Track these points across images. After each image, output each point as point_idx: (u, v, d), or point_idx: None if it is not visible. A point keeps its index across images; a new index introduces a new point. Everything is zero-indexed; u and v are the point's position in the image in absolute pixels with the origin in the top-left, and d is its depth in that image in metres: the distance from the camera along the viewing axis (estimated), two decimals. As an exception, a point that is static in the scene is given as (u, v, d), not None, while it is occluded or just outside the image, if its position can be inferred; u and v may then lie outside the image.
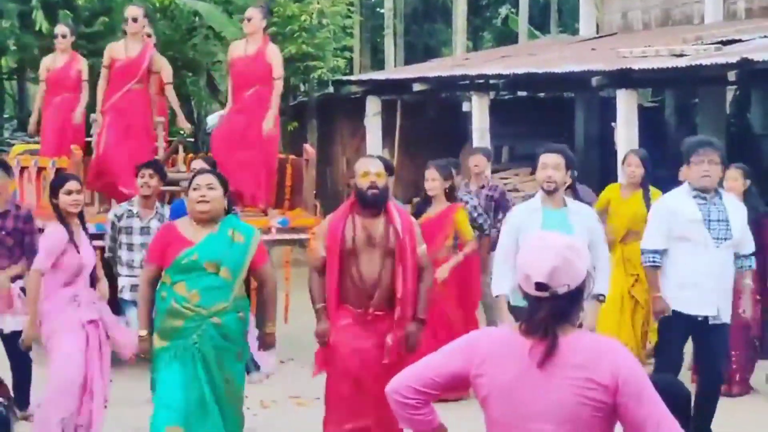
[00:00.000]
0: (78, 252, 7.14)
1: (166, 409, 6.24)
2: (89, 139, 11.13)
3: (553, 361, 3.47)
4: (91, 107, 11.29)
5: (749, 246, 7.39)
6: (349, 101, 19.38)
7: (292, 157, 11.63)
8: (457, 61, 19.22)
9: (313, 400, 8.51)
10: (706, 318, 7.20)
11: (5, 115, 22.98)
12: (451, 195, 9.19)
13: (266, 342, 6.69)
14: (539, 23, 28.57)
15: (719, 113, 17.67)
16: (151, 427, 6.32)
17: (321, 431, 6.77)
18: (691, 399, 6.99)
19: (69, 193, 7.18)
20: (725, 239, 7.18)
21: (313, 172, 11.07)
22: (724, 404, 8.43)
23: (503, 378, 3.53)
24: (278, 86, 10.77)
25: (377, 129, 17.56)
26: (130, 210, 9.43)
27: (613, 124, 14.37)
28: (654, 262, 7.33)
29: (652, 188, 9.55)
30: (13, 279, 8.14)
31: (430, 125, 19.30)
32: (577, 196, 8.63)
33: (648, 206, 8.87)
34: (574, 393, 3.45)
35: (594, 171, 17.95)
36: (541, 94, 20.08)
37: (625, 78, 13.21)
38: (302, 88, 21.71)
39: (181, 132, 14.94)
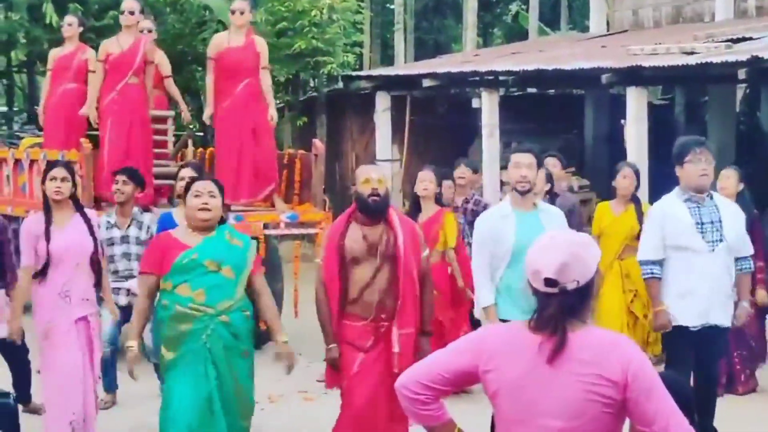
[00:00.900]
0: (47, 240, 7.03)
1: (173, 424, 6.16)
2: (92, 132, 11.08)
3: (562, 357, 3.47)
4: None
5: (747, 249, 7.25)
6: (359, 97, 19.37)
7: (301, 152, 11.63)
8: (467, 57, 19.20)
9: (320, 395, 8.52)
10: (707, 325, 7.07)
11: (15, 108, 23.03)
12: (438, 200, 9.22)
13: (282, 354, 6.40)
14: (549, 20, 28.54)
15: (729, 111, 17.65)
16: None
17: (328, 426, 6.75)
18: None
19: (53, 179, 7.12)
20: (719, 241, 7.03)
21: (322, 168, 11.06)
22: (729, 403, 8.44)
23: (512, 374, 3.53)
24: (268, 75, 10.82)
25: (387, 125, 17.56)
26: (108, 221, 9.12)
27: (622, 121, 14.37)
28: (653, 274, 7.13)
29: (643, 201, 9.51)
30: None
31: (439, 121, 19.28)
32: (552, 202, 8.63)
33: (640, 220, 8.84)
34: (583, 389, 3.45)
35: (603, 168, 17.91)
36: (551, 91, 20.04)
37: (635, 75, 13.19)
38: (312, 83, 21.70)
39: (191, 126, 14.94)
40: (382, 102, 17.57)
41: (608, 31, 19.86)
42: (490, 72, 15.65)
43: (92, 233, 7.23)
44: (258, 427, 7.26)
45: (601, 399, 3.45)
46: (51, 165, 7.36)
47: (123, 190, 9.10)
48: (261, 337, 7.56)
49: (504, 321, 6.47)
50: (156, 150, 11.04)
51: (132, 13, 10.64)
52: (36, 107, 14.70)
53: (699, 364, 7.19)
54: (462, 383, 3.74)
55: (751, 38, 13.18)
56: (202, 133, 18.66)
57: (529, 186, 6.91)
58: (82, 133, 11.00)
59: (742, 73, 12.20)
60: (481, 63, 16.69)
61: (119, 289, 8.89)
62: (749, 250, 7.28)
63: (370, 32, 25.50)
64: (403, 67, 22.12)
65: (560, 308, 3.48)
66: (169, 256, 6.23)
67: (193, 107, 20.94)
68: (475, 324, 9.08)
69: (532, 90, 19.59)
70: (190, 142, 12.25)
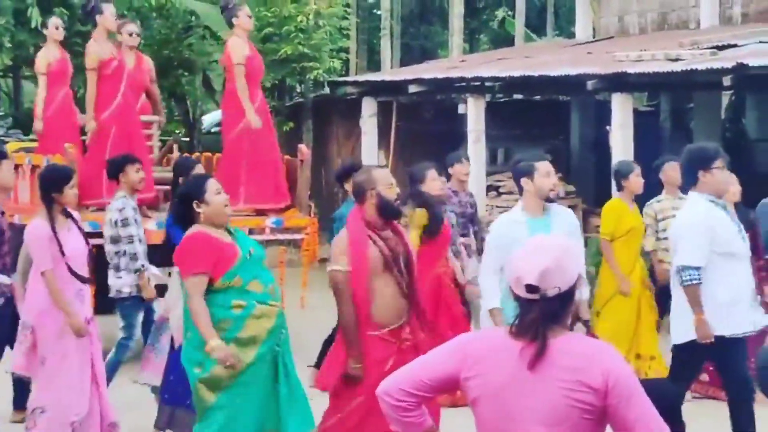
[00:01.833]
0: (59, 244, 7.07)
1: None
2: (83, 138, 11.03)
3: (543, 363, 3.47)
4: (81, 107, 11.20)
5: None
6: (345, 102, 19.37)
7: (287, 157, 11.63)
8: (454, 63, 19.21)
9: (316, 396, 8.50)
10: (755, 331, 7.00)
11: (0, 113, 22.95)
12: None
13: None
14: (536, 26, 28.56)
15: (714, 118, 17.68)
16: None
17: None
18: (682, 399, 7.00)
19: (72, 187, 7.23)
20: (747, 245, 7.04)
21: (307, 173, 11.07)
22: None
23: (494, 380, 3.53)
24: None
25: (373, 130, 17.55)
26: (132, 205, 8.79)
27: (608, 127, 14.37)
28: (698, 280, 6.79)
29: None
30: None
31: (425, 127, 19.30)
32: None
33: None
34: (564, 395, 3.45)
35: (589, 174, 17.96)
36: (537, 97, 20.06)
37: (620, 82, 13.21)
38: (298, 88, 21.71)
39: (176, 131, 14.93)
40: (369, 108, 17.57)
41: (594, 37, 19.88)
42: (476, 78, 15.66)
43: (84, 236, 7.38)
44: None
45: (581, 405, 3.45)
46: (67, 173, 7.31)
47: (143, 176, 8.90)
48: None
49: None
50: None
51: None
52: (19, 111, 14.64)
53: (730, 372, 6.96)
54: (444, 389, 3.73)
55: (736, 45, 13.20)
56: (188, 138, 18.64)
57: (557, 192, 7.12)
58: (78, 139, 10.96)
59: (727, 80, 12.22)
60: (468, 69, 16.70)
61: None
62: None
63: (356, 38, 25.49)
64: (389, 72, 22.12)
65: (541, 314, 3.49)
66: (222, 254, 6.05)
67: (180, 112, 20.94)
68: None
69: (518, 96, 19.60)
70: (175, 147, 12.23)
